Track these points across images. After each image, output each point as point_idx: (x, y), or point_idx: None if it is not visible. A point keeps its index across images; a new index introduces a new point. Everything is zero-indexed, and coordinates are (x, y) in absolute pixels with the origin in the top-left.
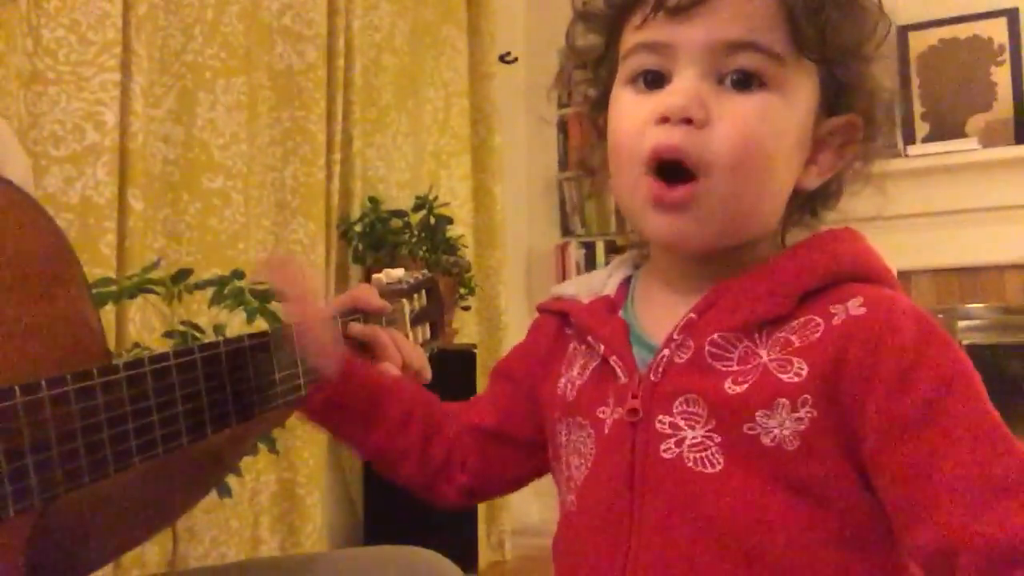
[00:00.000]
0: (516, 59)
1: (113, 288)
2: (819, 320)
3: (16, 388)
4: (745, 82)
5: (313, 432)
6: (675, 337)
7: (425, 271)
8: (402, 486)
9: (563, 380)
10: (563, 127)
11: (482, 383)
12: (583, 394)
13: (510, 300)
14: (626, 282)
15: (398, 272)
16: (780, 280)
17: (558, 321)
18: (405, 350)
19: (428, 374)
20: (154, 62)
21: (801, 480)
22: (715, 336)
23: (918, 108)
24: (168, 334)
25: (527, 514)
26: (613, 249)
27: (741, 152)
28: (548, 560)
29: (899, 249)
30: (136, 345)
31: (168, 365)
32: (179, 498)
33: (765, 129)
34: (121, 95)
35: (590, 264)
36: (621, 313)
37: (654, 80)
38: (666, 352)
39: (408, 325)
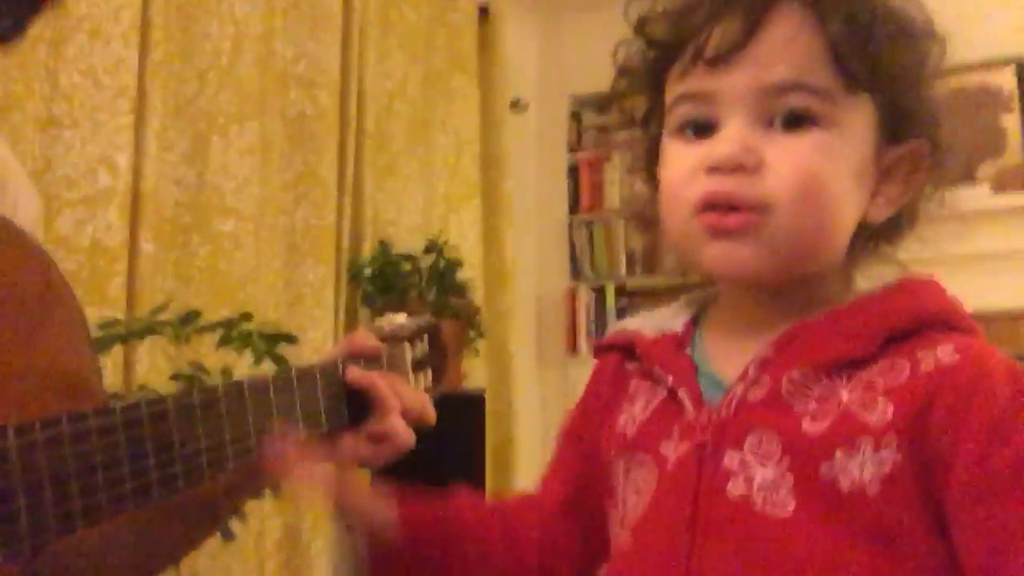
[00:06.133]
0: (527, 106)
1: (121, 329)
2: (905, 364)
3: (10, 429)
4: (796, 122)
5: None
6: (750, 373)
7: (428, 316)
8: None
9: (623, 417)
10: (573, 172)
11: (491, 427)
12: (645, 429)
13: (519, 344)
14: (692, 322)
15: (400, 318)
16: (864, 321)
17: (618, 359)
18: (404, 395)
19: (432, 418)
20: (168, 107)
21: (879, 528)
22: (793, 373)
23: None
24: (175, 376)
25: None
26: (623, 293)
27: (800, 188)
28: None
29: None
30: (142, 387)
31: (165, 408)
32: (171, 548)
33: (822, 164)
34: (135, 139)
35: (600, 309)
36: (688, 351)
37: (701, 129)
38: (739, 388)
39: (410, 370)
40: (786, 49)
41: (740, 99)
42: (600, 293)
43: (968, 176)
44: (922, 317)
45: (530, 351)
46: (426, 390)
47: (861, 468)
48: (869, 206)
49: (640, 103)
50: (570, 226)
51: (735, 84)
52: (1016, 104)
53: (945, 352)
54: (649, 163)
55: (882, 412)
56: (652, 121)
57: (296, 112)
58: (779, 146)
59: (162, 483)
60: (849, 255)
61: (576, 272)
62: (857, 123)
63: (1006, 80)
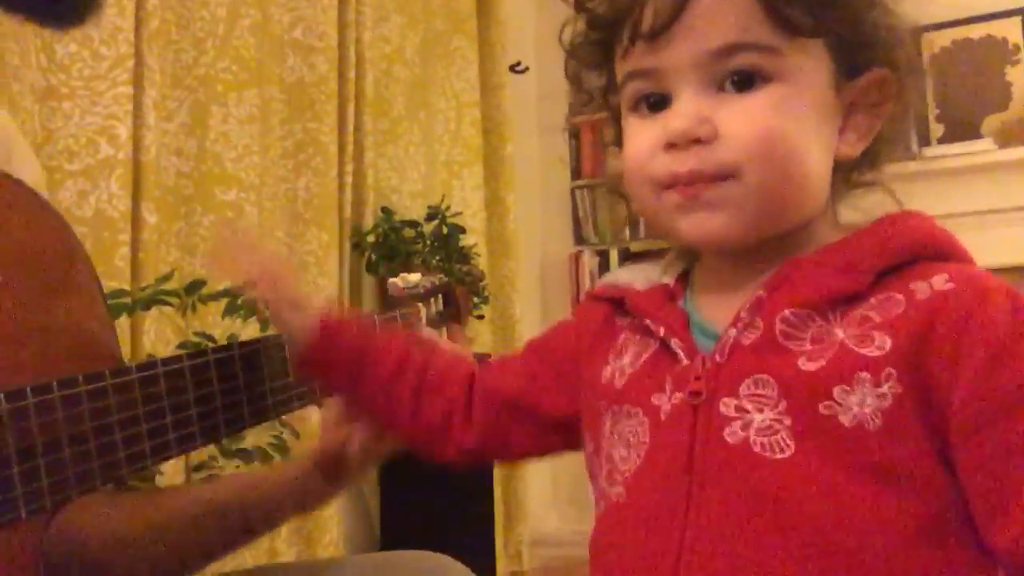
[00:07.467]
0: (527, 68)
1: (127, 300)
2: (900, 297)
3: (28, 389)
4: (747, 81)
5: None
6: (743, 316)
7: (442, 276)
8: (401, 441)
9: (609, 368)
10: (575, 135)
11: None
12: (634, 381)
13: (524, 309)
14: (683, 276)
15: (415, 277)
16: (857, 256)
17: (608, 309)
18: None
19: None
20: (166, 76)
21: (883, 464)
22: (786, 313)
23: (932, 109)
24: (182, 345)
25: (545, 524)
26: (627, 257)
27: (761, 147)
28: (567, 571)
29: None
30: (150, 356)
31: (181, 367)
32: (200, 558)
33: (780, 119)
34: (134, 109)
35: (604, 273)
36: (680, 304)
37: (656, 102)
38: (733, 332)
39: (424, 329)
40: (720, 13)
41: (685, 71)
42: (604, 257)
43: (973, 130)
44: (915, 248)
45: (535, 316)
46: None
47: (861, 403)
48: (839, 144)
49: (595, 78)
50: (573, 190)
51: (677, 57)
52: (1022, 56)
53: (940, 280)
54: (616, 134)
55: (879, 346)
56: (609, 94)
57: (295, 79)
58: (733, 109)
59: (180, 441)
60: (832, 193)
61: (580, 236)
62: (810, 69)
63: (1012, 32)
